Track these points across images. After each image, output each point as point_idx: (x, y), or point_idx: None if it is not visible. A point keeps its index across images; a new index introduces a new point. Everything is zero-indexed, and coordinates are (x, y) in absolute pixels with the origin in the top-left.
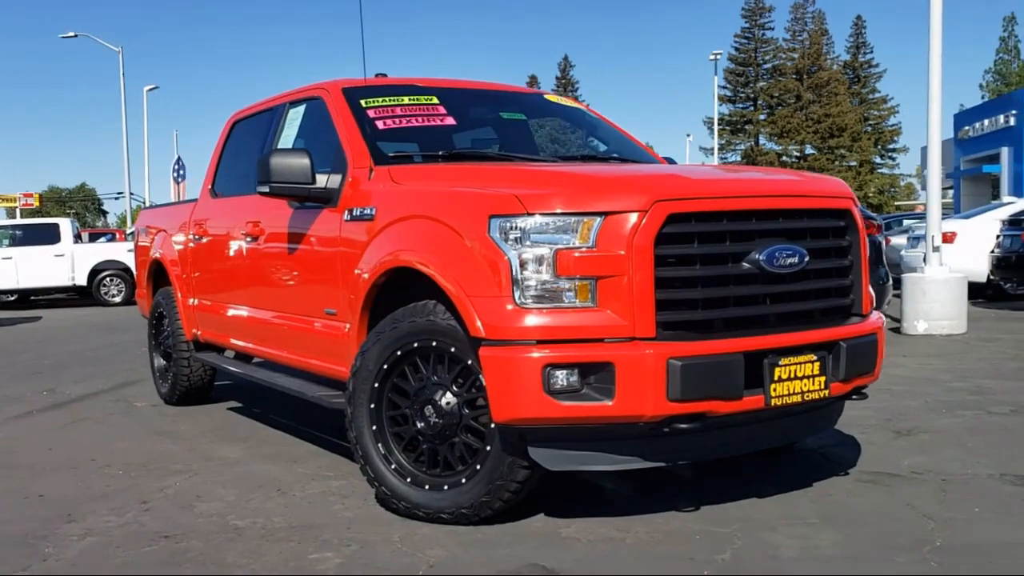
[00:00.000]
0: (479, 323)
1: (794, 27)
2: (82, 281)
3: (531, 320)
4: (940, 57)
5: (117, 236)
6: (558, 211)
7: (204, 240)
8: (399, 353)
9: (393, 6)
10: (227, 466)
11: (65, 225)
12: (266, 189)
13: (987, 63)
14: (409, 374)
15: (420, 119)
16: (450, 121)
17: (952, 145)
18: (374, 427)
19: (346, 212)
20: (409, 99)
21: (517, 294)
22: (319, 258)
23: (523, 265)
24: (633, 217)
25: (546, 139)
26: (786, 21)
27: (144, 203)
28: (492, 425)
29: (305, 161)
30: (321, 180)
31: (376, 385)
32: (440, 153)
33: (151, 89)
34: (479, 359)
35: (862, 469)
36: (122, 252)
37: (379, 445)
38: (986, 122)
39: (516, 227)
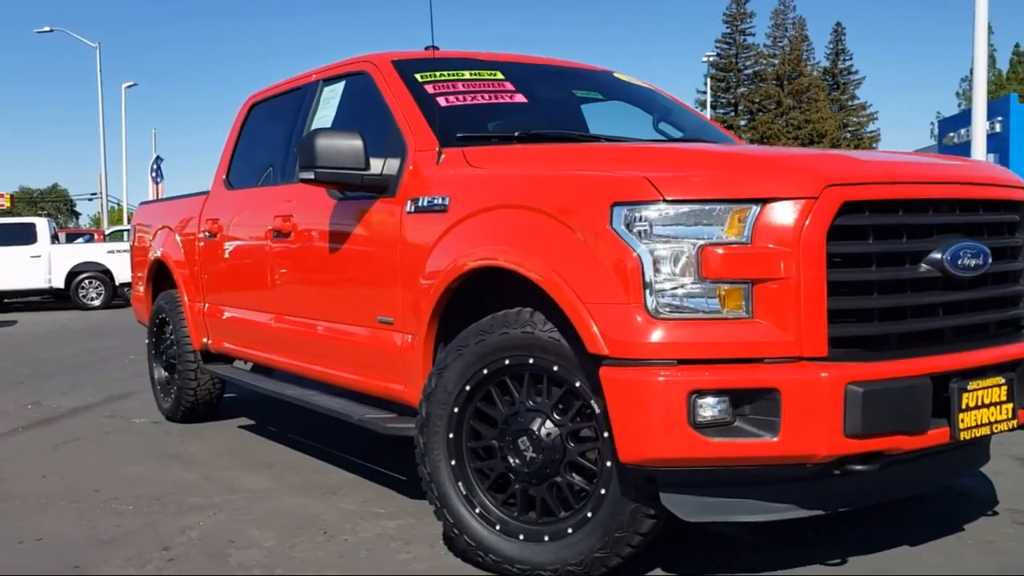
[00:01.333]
0: (600, 337)
1: (775, 33)
2: (59, 284)
3: (670, 334)
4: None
5: (96, 237)
6: (703, 197)
7: (218, 238)
8: (485, 372)
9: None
10: (255, 499)
11: (42, 225)
12: (310, 176)
13: (964, 71)
14: (496, 397)
15: (487, 96)
16: (520, 98)
17: (937, 151)
18: (453, 462)
19: (408, 203)
20: (470, 74)
21: (650, 301)
22: (371, 257)
23: (657, 264)
24: (799, 205)
25: (622, 121)
26: (767, 27)
27: (119, 204)
28: (608, 464)
29: (357, 143)
30: (375, 166)
31: (456, 410)
32: (517, 134)
33: (130, 86)
34: (600, 382)
35: (1010, 507)
36: (101, 253)
37: (459, 484)
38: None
39: (647, 217)
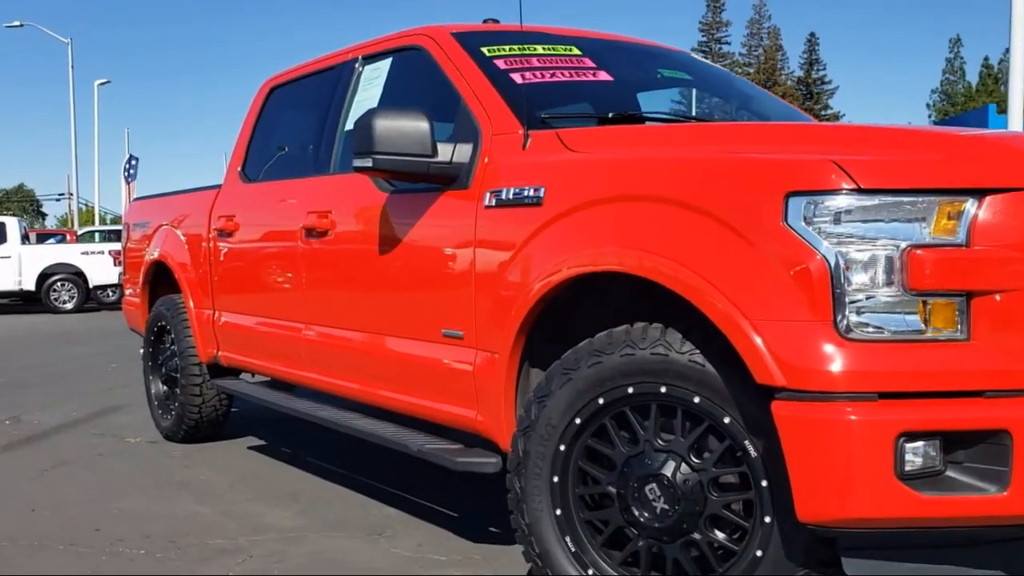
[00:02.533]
0: (772, 363)
1: (750, 42)
2: (30, 286)
3: (868, 360)
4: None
5: (68, 238)
6: (908, 187)
7: (234, 237)
8: (601, 402)
9: None
10: (288, 541)
11: (12, 225)
12: (367, 163)
13: (934, 83)
14: (613, 433)
15: (568, 73)
16: (605, 77)
17: None
18: (558, 511)
19: (487, 196)
20: (544, 48)
21: (840, 317)
22: (435, 260)
23: (848, 271)
24: None
25: (701, 106)
26: (742, 36)
27: (87, 205)
28: (767, 519)
29: (423, 125)
30: (443, 152)
31: (562, 448)
32: (611, 115)
33: (102, 84)
34: (765, 419)
35: None
36: (74, 255)
37: (567, 539)
38: None
39: (835, 211)
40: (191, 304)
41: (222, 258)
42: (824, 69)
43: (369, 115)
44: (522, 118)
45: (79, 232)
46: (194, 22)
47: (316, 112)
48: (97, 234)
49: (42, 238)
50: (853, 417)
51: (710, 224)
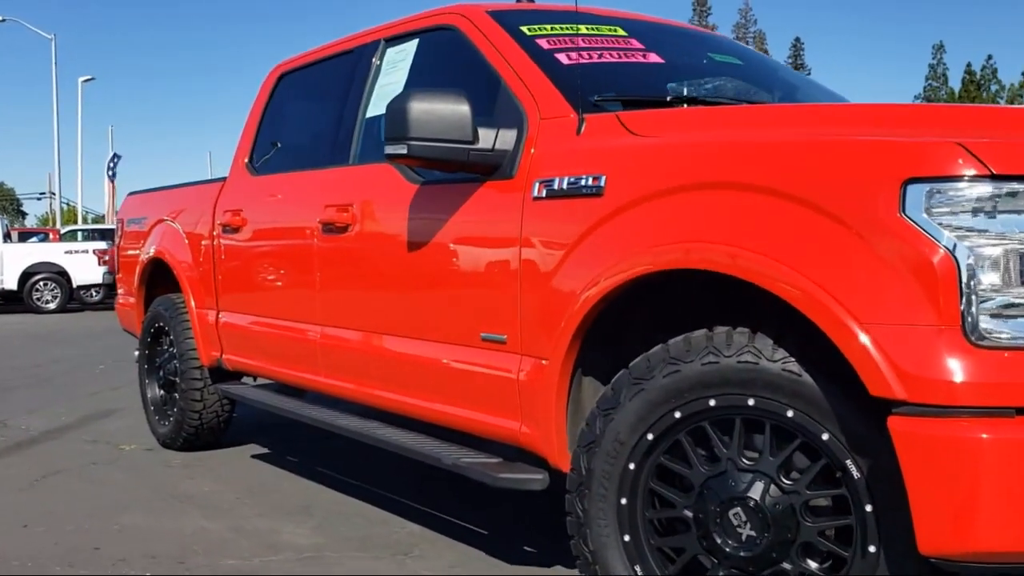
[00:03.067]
0: (890, 372)
1: None
2: (12, 285)
3: (1004, 370)
4: None
5: (51, 236)
6: None
7: (241, 232)
8: (678, 415)
9: None
10: (307, 562)
11: None
12: (401, 150)
13: (917, 89)
14: (690, 451)
15: (617, 54)
16: (656, 59)
17: None
18: (626, 537)
19: (536, 186)
20: (587, 28)
21: (969, 321)
22: (475, 257)
23: (979, 268)
24: None
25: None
26: None
27: (68, 204)
28: (871, 548)
29: (463, 108)
30: (484, 138)
31: (631, 467)
32: (675, 97)
33: (87, 80)
34: (887, 437)
35: None
36: (58, 254)
37: (637, 568)
38: None
39: (963, 200)
40: (192, 304)
41: (227, 255)
42: (809, 74)
43: (403, 98)
44: (573, 101)
45: (62, 231)
46: (179, 22)
47: (332, 99)
48: (80, 233)
49: (24, 236)
50: (987, 436)
51: (813, 215)
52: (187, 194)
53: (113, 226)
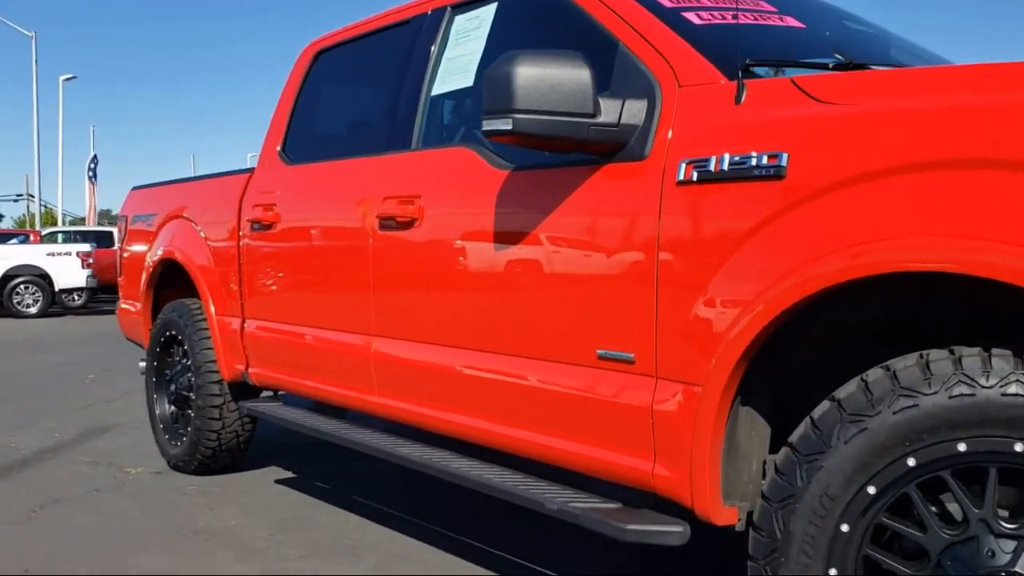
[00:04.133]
0: None
1: None
2: None
3: None
4: None
5: (32, 238)
6: None
7: (275, 229)
8: (911, 463)
9: None
10: None
11: None
12: (505, 125)
13: None
14: (920, 506)
15: (751, 16)
16: (793, 23)
17: None
18: None
19: (681, 167)
20: None
21: None
22: (591, 256)
23: None
24: None
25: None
26: None
27: (46, 206)
28: None
29: (584, 74)
30: (607, 110)
31: (844, 528)
32: (832, 64)
33: (68, 79)
34: None
35: None
36: (39, 256)
37: None
38: None
39: None
40: (212, 310)
41: (256, 256)
42: None
43: (508, 61)
44: (722, 65)
45: (43, 233)
46: (161, 22)
47: (384, 77)
48: (60, 235)
49: (3, 238)
50: None
51: None
52: (205, 187)
53: (96, 228)
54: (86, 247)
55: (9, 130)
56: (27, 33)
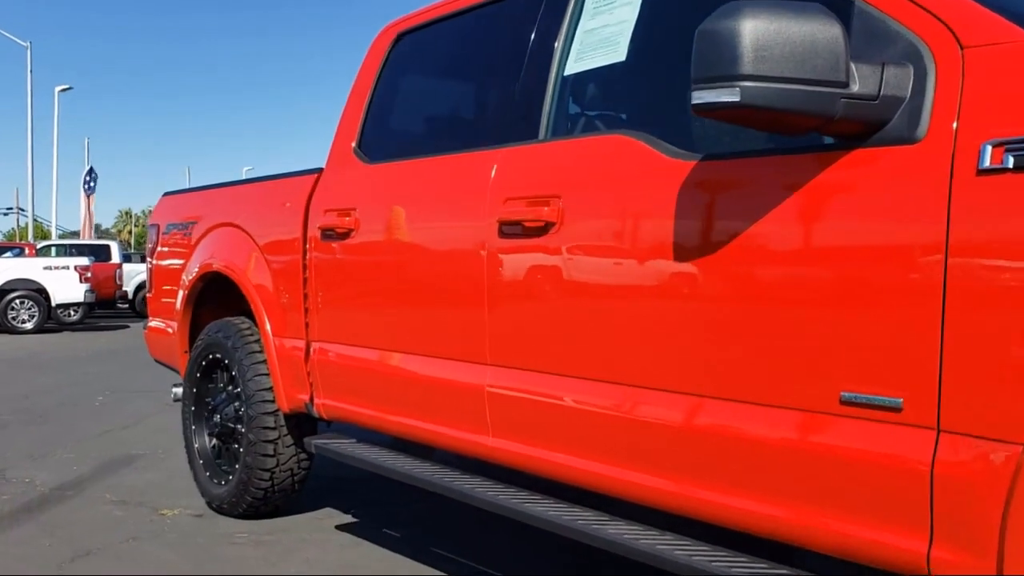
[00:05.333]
0: None
1: None
2: None
3: None
4: None
5: (27, 251)
6: None
7: (353, 238)
8: None
9: None
10: None
11: None
12: (730, 97)
13: None
14: None
15: None
16: None
17: None
18: None
19: (987, 152)
20: None
21: None
22: (832, 270)
23: None
24: None
25: None
26: None
27: (36, 220)
28: None
29: (835, 31)
30: (864, 78)
31: None
32: None
33: (63, 90)
34: None
35: None
36: (36, 270)
37: None
38: None
39: None
40: (268, 331)
41: (329, 268)
42: None
43: (731, 15)
44: (1015, 17)
45: (38, 246)
46: (156, 35)
47: (493, 58)
48: (54, 248)
49: None
50: None
51: None
52: (261, 191)
53: (92, 241)
54: (84, 261)
55: (0, 143)
56: (22, 43)
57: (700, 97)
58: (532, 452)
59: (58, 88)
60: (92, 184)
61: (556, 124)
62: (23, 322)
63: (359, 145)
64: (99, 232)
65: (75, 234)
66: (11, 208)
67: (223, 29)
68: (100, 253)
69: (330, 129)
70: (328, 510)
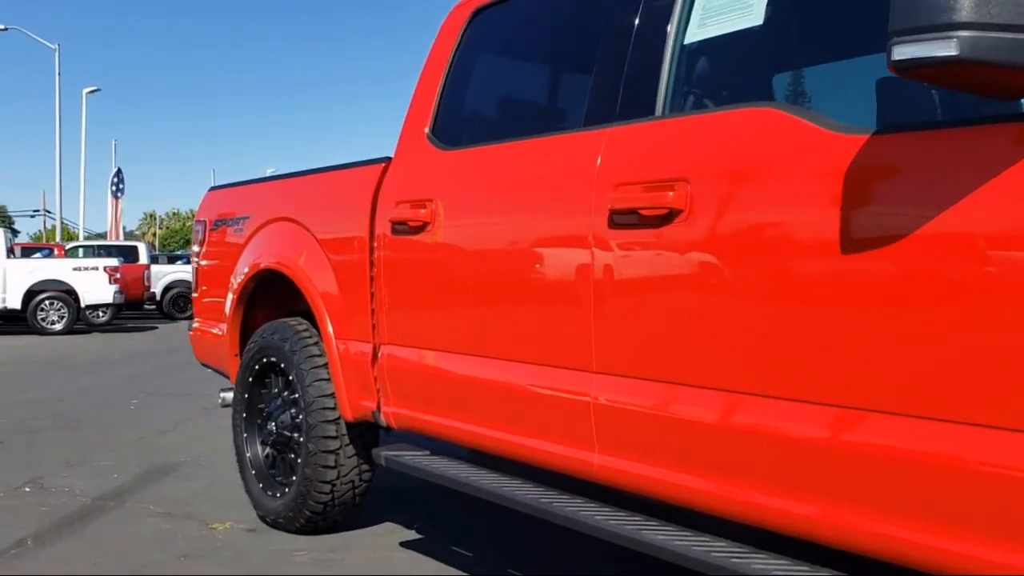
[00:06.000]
0: None
1: None
2: (15, 304)
3: None
4: None
5: (56, 252)
6: None
7: (430, 232)
8: None
9: None
10: None
11: None
12: (945, 50)
13: None
14: None
15: None
16: None
17: None
18: None
19: None
20: None
21: None
22: None
23: None
24: None
25: None
26: None
27: (63, 222)
28: None
29: None
30: None
31: None
32: None
33: (91, 92)
34: None
35: None
36: (66, 271)
37: None
38: None
39: None
40: (330, 332)
41: (402, 264)
42: None
43: None
44: None
45: (67, 247)
46: (181, 38)
47: (599, 26)
48: (81, 249)
49: (27, 252)
50: None
51: None
52: (321, 183)
53: (120, 242)
54: (113, 262)
55: (27, 144)
56: (50, 46)
57: (903, 53)
58: (652, 473)
59: (86, 90)
60: (120, 186)
61: (675, 99)
62: (52, 323)
63: (433, 130)
64: (124, 234)
65: (101, 236)
66: (37, 210)
67: (249, 32)
68: (128, 254)
69: (351, 133)
70: (389, 524)
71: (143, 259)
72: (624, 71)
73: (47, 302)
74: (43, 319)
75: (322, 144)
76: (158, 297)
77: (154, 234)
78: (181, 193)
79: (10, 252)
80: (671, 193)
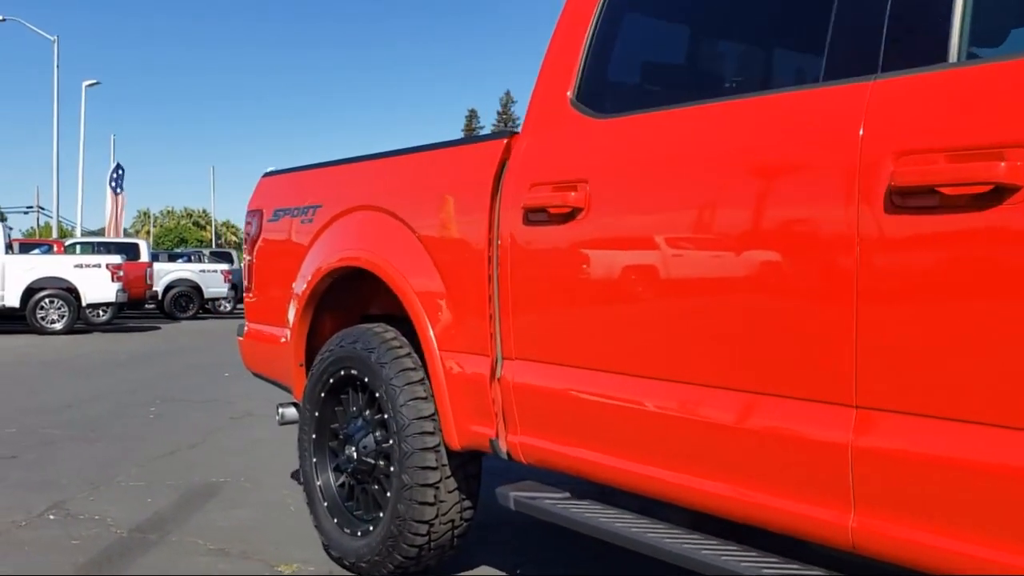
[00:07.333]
0: None
1: None
2: (14, 302)
3: None
4: None
5: (56, 248)
6: None
7: (583, 221)
8: None
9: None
10: None
11: None
12: None
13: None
14: None
15: None
16: None
17: None
18: None
19: None
20: None
21: None
22: None
23: None
24: None
25: None
26: None
27: (54, 218)
28: None
29: None
30: None
31: None
32: None
33: (91, 85)
34: None
35: None
36: (66, 268)
37: None
38: None
39: None
40: (432, 342)
41: (539, 261)
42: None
43: None
44: None
45: (66, 243)
46: (184, 37)
47: None
48: (79, 246)
49: (26, 248)
50: None
51: None
52: (421, 164)
53: (120, 239)
54: (116, 259)
55: (21, 144)
56: (49, 37)
57: None
58: (951, 545)
59: (86, 83)
60: (120, 181)
61: (975, 37)
62: (53, 322)
63: (578, 95)
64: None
65: (96, 233)
66: (31, 207)
67: (249, 39)
68: (128, 251)
69: (351, 134)
70: (484, 569)
71: (144, 257)
72: (851, 21)
73: (47, 300)
74: (43, 318)
75: (323, 144)
76: (159, 296)
77: (148, 232)
78: (174, 192)
79: (9, 248)
80: (1003, 164)
